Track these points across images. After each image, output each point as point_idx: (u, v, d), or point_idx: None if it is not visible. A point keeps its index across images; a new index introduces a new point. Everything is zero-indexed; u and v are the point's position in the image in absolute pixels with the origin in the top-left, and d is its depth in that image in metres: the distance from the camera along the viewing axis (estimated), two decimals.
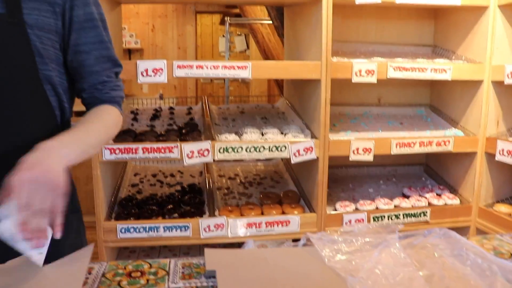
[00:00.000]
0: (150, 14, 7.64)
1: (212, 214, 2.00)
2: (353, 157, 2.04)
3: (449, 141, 2.14)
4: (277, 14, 3.38)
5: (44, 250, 0.93)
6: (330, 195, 2.28)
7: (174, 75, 1.85)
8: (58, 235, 0.93)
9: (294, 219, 1.99)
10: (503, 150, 2.04)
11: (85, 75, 1.20)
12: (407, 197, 2.28)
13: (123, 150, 1.87)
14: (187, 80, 7.63)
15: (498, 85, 2.16)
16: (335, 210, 2.14)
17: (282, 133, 2.07)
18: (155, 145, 1.88)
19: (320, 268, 1.00)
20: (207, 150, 1.89)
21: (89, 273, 1.00)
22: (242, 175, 2.56)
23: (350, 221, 2.07)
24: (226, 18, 4.88)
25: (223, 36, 6.62)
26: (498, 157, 2.07)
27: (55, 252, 0.98)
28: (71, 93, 1.23)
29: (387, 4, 2.07)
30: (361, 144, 2.04)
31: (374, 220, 2.10)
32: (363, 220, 2.09)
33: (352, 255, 1.04)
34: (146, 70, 1.83)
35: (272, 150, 1.94)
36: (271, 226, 1.97)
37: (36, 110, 1.11)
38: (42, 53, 1.09)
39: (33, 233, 0.89)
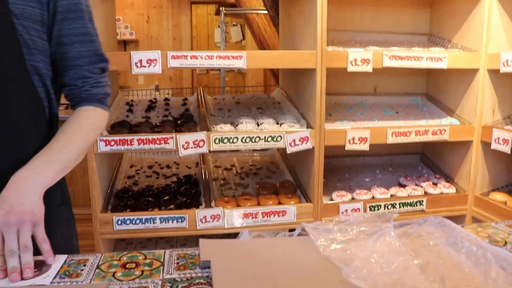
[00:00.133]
0: (145, 5, 7.58)
1: (208, 205, 1.99)
2: (349, 147, 2.04)
3: (445, 130, 2.14)
4: (273, 4, 3.35)
5: (47, 274, 0.94)
6: (326, 185, 2.28)
7: (168, 66, 1.84)
8: (50, 261, 0.95)
9: (291, 209, 1.99)
10: (498, 139, 2.04)
11: (67, 69, 1.18)
12: (403, 186, 2.29)
13: (118, 142, 1.86)
14: (183, 71, 7.60)
15: (494, 73, 2.16)
16: (332, 200, 2.15)
17: (277, 123, 2.07)
18: (151, 137, 1.87)
19: (315, 258, 1.00)
20: (203, 141, 1.89)
21: (84, 264, 0.99)
22: (238, 166, 2.56)
23: (346, 211, 2.07)
24: (221, 8, 4.84)
25: (219, 26, 6.58)
26: (494, 146, 2.07)
27: None
28: (58, 85, 1.21)
29: None
30: (357, 134, 2.04)
31: (370, 209, 2.10)
32: (359, 209, 2.09)
33: (347, 244, 1.04)
34: (140, 61, 1.82)
35: (267, 140, 1.93)
36: (267, 217, 1.97)
37: (24, 101, 1.10)
38: (29, 44, 1.07)
39: (16, 273, 0.90)
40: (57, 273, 0.95)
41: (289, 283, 0.89)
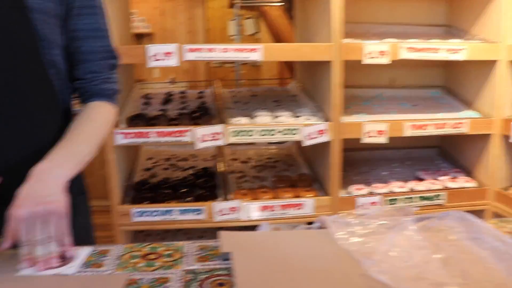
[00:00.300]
0: None
1: (225, 198, 2.00)
2: (366, 140, 2.03)
3: (464, 123, 2.11)
4: None
5: (72, 264, 0.96)
6: (344, 178, 2.27)
7: (184, 59, 1.84)
8: (69, 254, 0.97)
9: (308, 203, 1.99)
10: None
11: (79, 63, 1.19)
12: (422, 180, 2.27)
13: (135, 135, 1.87)
14: (198, 64, 7.60)
15: None
16: (349, 193, 2.14)
17: (294, 116, 2.06)
18: (168, 129, 1.88)
19: (335, 251, 1.00)
20: (220, 133, 1.89)
21: (105, 255, 1.01)
22: (255, 159, 2.56)
23: (364, 204, 2.07)
24: (236, 1, 4.83)
25: (233, 19, 6.55)
26: None
27: None
28: (70, 78, 1.23)
29: None
30: (373, 127, 2.02)
31: (388, 203, 2.09)
32: (377, 203, 2.08)
33: (367, 237, 1.03)
34: (157, 54, 1.83)
35: (284, 133, 1.93)
36: (285, 209, 1.98)
37: (41, 94, 1.11)
38: (46, 38, 1.09)
39: (42, 262, 0.92)
40: (81, 264, 0.97)
41: (310, 276, 0.89)
